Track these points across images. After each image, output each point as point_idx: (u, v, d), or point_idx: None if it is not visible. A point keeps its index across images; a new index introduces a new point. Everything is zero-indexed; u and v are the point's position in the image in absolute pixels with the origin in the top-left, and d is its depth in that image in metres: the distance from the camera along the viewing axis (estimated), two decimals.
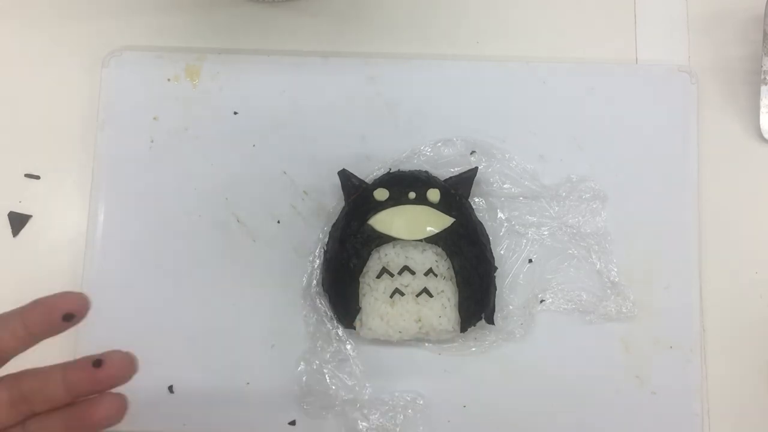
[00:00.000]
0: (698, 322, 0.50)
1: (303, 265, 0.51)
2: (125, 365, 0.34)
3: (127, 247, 0.51)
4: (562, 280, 0.51)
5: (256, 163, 0.52)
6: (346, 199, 0.50)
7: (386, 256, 0.48)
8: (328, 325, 0.50)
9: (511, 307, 0.50)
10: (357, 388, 0.49)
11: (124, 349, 0.35)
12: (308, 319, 0.50)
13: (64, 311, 0.33)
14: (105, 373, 0.34)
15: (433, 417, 0.49)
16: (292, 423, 0.49)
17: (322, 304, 0.50)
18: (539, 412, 0.50)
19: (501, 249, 0.51)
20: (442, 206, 0.48)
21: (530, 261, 0.51)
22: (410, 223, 0.48)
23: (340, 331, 0.50)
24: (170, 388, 0.49)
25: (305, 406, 0.49)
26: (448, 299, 0.48)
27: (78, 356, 0.49)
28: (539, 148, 0.52)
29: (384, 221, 0.48)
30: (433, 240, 0.47)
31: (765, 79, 0.54)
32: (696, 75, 0.53)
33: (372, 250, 0.47)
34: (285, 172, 0.52)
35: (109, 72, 0.53)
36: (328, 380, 0.49)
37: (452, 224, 0.48)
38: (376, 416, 0.48)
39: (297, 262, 0.51)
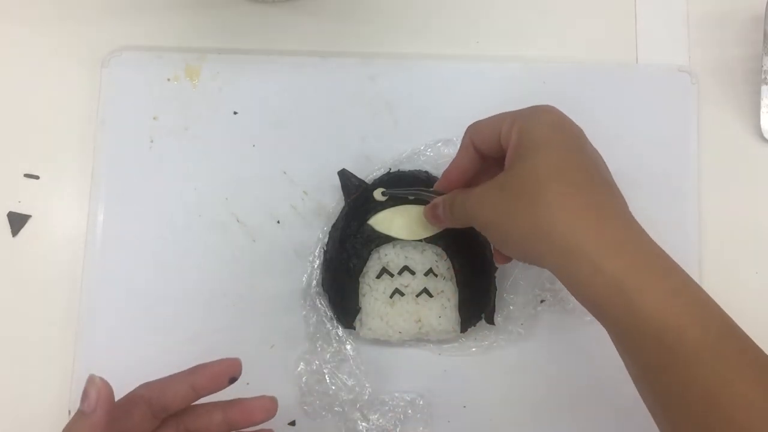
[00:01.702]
0: None
1: (303, 265, 0.51)
2: (271, 408, 0.41)
3: (127, 247, 0.51)
4: None
5: (256, 163, 0.52)
6: (346, 199, 0.50)
7: (386, 256, 0.48)
8: (328, 325, 0.50)
9: (511, 308, 0.50)
10: (357, 388, 0.49)
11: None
12: (308, 319, 0.50)
13: (230, 377, 0.40)
14: (257, 416, 0.41)
15: (433, 417, 0.49)
16: (292, 423, 0.49)
17: (322, 304, 0.50)
18: (539, 412, 0.50)
19: None
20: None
21: None
22: (410, 223, 0.48)
23: (340, 331, 0.50)
24: None
25: (305, 407, 0.49)
26: (448, 299, 0.48)
27: (77, 354, 0.49)
28: None
29: (384, 221, 0.48)
30: (433, 240, 0.47)
31: (765, 79, 0.53)
32: (696, 75, 0.53)
33: (372, 250, 0.47)
34: (285, 172, 0.52)
35: (109, 72, 0.53)
36: (328, 380, 0.49)
37: None
38: (376, 416, 0.48)
39: (297, 262, 0.51)
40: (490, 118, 0.42)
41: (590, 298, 0.36)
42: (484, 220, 0.40)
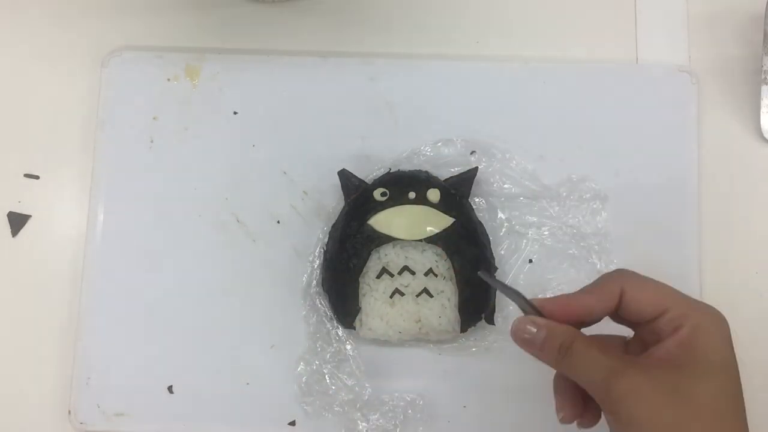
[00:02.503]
0: None
1: (303, 265, 0.51)
2: None
3: (127, 247, 0.51)
4: (563, 280, 0.51)
5: (256, 163, 0.52)
6: (346, 199, 0.50)
7: (386, 256, 0.48)
8: (328, 325, 0.50)
9: (511, 308, 0.50)
10: (357, 388, 0.49)
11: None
12: (308, 319, 0.50)
13: None
14: None
15: (433, 417, 0.49)
16: (292, 423, 0.49)
17: (322, 304, 0.50)
18: (539, 412, 0.50)
19: (501, 249, 0.51)
20: (442, 206, 0.48)
21: (530, 261, 0.51)
22: (410, 223, 0.48)
23: (340, 331, 0.50)
24: (170, 389, 0.49)
25: (305, 406, 0.49)
26: (448, 299, 0.48)
27: (77, 354, 0.49)
28: (539, 148, 0.52)
29: (384, 221, 0.48)
30: (433, 240, 0.47)
31: (765, 79, 0.53)
32: (696, 75, 0.53)
33: (372, 250, 0.47)
34: (285, 172, 0.52)
35: (109, 72, 0.53)
36: (328, 380, 0.49)
37: (452, 224, 0.48)
38: (376, 416, 0.48)
39: (297, 262, 0.51)
40: (652, 283, 0.37)
41: None
42: (632, 415, 0.34)
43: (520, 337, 0.37)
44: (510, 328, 0.38)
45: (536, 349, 0.37)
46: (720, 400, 0.35)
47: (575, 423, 0.39)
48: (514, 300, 0.38)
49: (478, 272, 0.41)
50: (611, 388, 0.34)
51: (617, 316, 0.38)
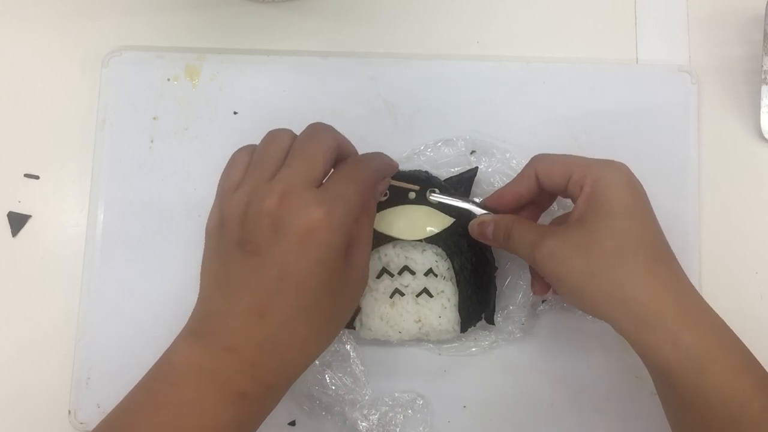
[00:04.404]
0: None
1: None
2: None
3: (127, 247, 0.51)
4: None
5: None
6: None
7: (386, 257, 0.48)
8: None
9: (511, 307, 0.50)
10: (357, 388, 0.49)
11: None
12: None
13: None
14: None
15: (433, 417, 0.49)
16: (292, 423, 0.49)
17: None
18: (539, 412, 0.50)
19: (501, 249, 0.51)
20: (442, 206, 0.48)
21: None
22: (410, 223, 0.48)
23: None
24: None
25: (305, 406, 0.49)
26: (448, 299, 0.48)
27: (77, 354, 0.49)
28: (539, 148, 0.52)
29: (384, 221, 0.48)
30: (433, 240, 0.47)
31: (765, 79, 0.53)
32: (696, 75, 0.53)
33: (372, 250, 0.47)
34: None
35: (109, 72, 0.53)
36: (328, 380, 0.49)
37: (452, 224, 0.48)
38: (376, 416, 0.48)
39: None
40: (559, 157, 0.43)
41: (662, 365, 0.38)
42: (555, 272, 0.40)
43: (477, 233, 0.46)
44: (469, 228, 0.46)
45: (489, 239, 0.45)
46: (621, 239, 0.39)
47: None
48: (469, 208, 0.47)
49: (431, 193, 0.47)
50: (534, 256, 0.41)
51: (548, 193, 0.44)
